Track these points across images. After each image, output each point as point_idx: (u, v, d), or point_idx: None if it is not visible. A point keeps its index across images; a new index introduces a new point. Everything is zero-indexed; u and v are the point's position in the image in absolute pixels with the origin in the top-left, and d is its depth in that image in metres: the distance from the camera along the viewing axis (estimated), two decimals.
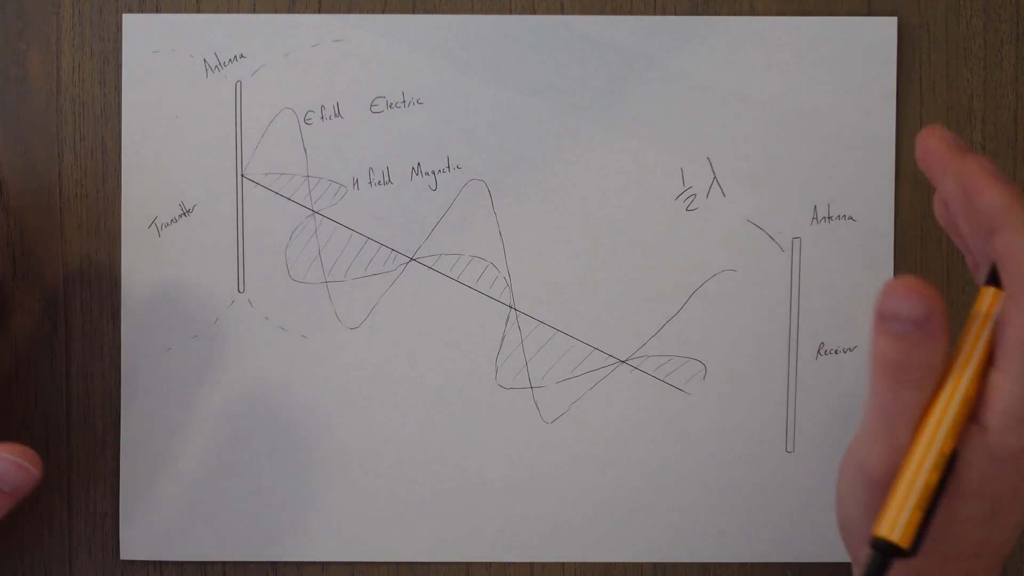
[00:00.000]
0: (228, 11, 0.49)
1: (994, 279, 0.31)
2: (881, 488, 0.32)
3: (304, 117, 0.49)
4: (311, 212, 0.49)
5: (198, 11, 0.49)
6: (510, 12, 0.49)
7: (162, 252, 0.49)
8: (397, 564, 0.49)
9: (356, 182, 0.49)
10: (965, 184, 0.30)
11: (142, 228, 0.49)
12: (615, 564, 0.49)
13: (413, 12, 0.49)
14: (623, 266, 0.49)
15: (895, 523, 0.30)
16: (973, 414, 0.31)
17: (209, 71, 0.49)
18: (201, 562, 0.49)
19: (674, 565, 0.49)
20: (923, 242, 0.49)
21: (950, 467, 0.31)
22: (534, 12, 0.49)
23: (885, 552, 0.31)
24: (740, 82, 0.49)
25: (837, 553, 0.49)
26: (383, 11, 0.49)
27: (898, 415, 0.31)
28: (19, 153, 0.49)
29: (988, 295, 0.31)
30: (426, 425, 0.49)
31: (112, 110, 0.49)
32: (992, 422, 0.30)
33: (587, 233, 0.49)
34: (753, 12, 0.49)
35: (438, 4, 0.49)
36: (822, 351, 0.49)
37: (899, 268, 0.49)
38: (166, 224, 0.49)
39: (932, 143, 0.32)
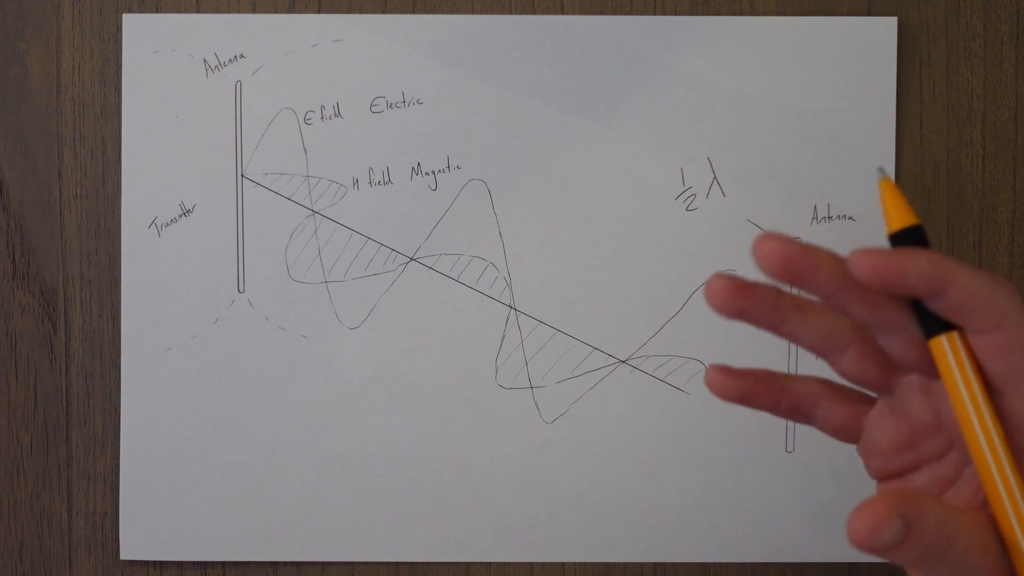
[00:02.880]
0: (228, 11, 0.49)
1: (935, 330, 0.32)
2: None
3: (304, 117, 0.49)
4: (311, 212, 0.49)
5: (198, 11, 0.49)
6: (510, 12, 0.49)
7: (162, 252, 0.49)
8: (397, 564, 0.49)
9: (356, 182, 0.49)
10: (875, 272, 0.30)
11: (142, 228, 0.49)
12: (615, 564, 0.49)
13: (413, 12, 0.49)
14: (623, 266, 0.49)
15: None
16: (1013, 446, 0.32)
17: (209, 71, 0.49)
18: (201, 562, 0.49)
19: (674, 565, 0.49)
20: None
21: None
22: (534, 12, 0.49)
23: None
24: (740, 82, 0.49)
25: (837, 553, 0.49)
26: (383, 11, 0.49)
27: (967, 562, 0.32)
28: (19, 153, 0.49)
29: (947, 342, 0.31)
30: (426, 425, 0.49)
31: (112, 110, 0.49)
32: None
33: (587, 233, 0.49)
34: (753, 12, 0.49)
35: (438, 4, 0.49)
36: None
37: None
38: (166, 224, 0.49)
39: (788, 248, 0.32)
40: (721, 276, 0.33)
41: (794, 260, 0.32)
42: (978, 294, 0.31)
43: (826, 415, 0.36)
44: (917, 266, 0.31)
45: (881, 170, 0.33)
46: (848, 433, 0.36)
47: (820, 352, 0.35)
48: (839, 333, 0.34)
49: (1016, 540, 0.31)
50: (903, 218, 0.32)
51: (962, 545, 0.31)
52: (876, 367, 0.34)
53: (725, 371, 0.36)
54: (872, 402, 0.36)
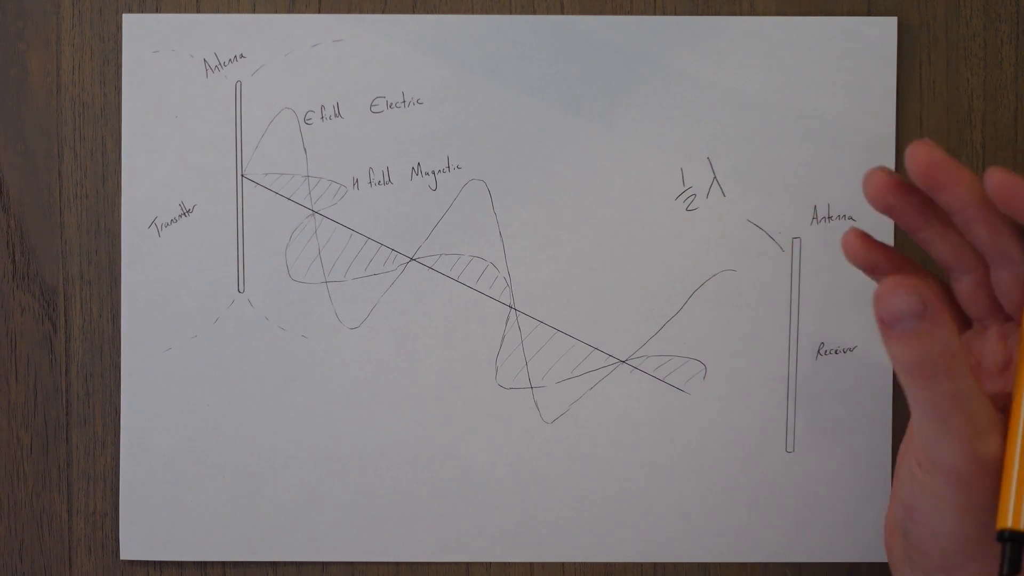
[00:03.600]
0: (228, 11, 0.49)
1: None
2: (968, 484, 0.33)
3: (304, 117, 0.49)
4: (311, 212, 0.49)
5: (198, 11, 0.49)
6: (510, 12, 0.49)
7: (162, 252, 0.49)
8: (397, 564, 0.49)
9: (356, 182, 0.49)
10: (1001, 187, 0.34)
11: (142, 228, 0.49)
12: (615, 564, 0.49)
13: (413, 12, 0.49)
14: (623, 266, 0.49)
15: (1020, 513, 0.32)
16: None
17: (209, 71, 0.49)
18: (201, 562, 0.49)
19: (674, 565, 0.49)
20: None
21: None
22: (534, 12, 0.49)
23: (1020, 542, 0.32)
24: (740, 82, 0.49)
25: (837, 553, 0.49)
26: (383, 11, 0.49)
27: (951, 408, 0.33)
28: (19, 153, 0.49)
29: None
30: (426, 425, 0.49)
31: (112, 110, 0.49)
32: None
33: (587, 233, 0.49)
34: (753, 12, 0.49)
35: (438, 4, 0.49)
36: (822, 351, 0.49)
37: None
38: (166, 224, 0.49)
39: (936, 155, 0.35)
40: (883, 169, 0.37)
41: (937, 167, 0.36)
42: None
43: None
44: None
45: None
46: None
47: (946, 265, 0.38)
48: (967, 256, 0.37)
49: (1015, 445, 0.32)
50: None
51: (955, 386, 0.32)
52: (986, 299, 0.37)
53: (864, 238, 0.40)
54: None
